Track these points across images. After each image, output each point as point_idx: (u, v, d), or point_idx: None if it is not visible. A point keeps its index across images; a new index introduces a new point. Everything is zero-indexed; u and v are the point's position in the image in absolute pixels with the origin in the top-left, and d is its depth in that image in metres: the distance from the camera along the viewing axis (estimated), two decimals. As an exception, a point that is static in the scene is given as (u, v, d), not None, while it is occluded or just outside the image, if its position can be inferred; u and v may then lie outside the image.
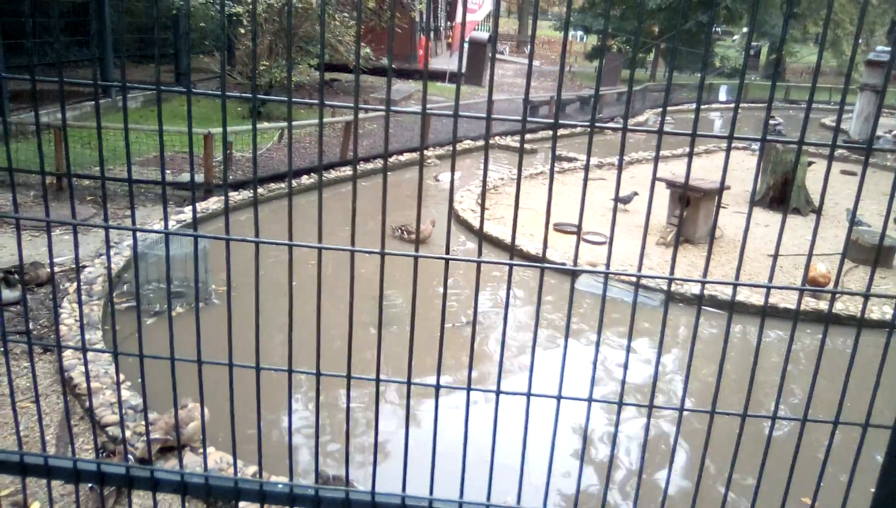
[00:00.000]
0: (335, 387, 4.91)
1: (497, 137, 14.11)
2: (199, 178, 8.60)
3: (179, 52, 14.89)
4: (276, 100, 1.49)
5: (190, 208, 7.76)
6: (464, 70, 21.68)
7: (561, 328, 6.17)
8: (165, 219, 1.52)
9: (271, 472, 3.61)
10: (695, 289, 6.80)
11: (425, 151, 12.28)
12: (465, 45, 22.53)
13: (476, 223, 8.33)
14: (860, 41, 32.25)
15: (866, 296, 1.48)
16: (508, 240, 7.83)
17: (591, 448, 4.57)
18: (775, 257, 1.49)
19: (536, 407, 1.72)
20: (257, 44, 12.66)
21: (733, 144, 13.61)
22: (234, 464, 1.73)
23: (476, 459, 1.77)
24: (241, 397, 1.64)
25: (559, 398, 1.57)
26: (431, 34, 26.38)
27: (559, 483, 4.19)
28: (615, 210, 1.52)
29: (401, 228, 8.01)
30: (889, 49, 15.98)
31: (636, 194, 9.60)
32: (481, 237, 1.52)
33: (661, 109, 21.66)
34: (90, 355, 4.47)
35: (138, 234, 5.98)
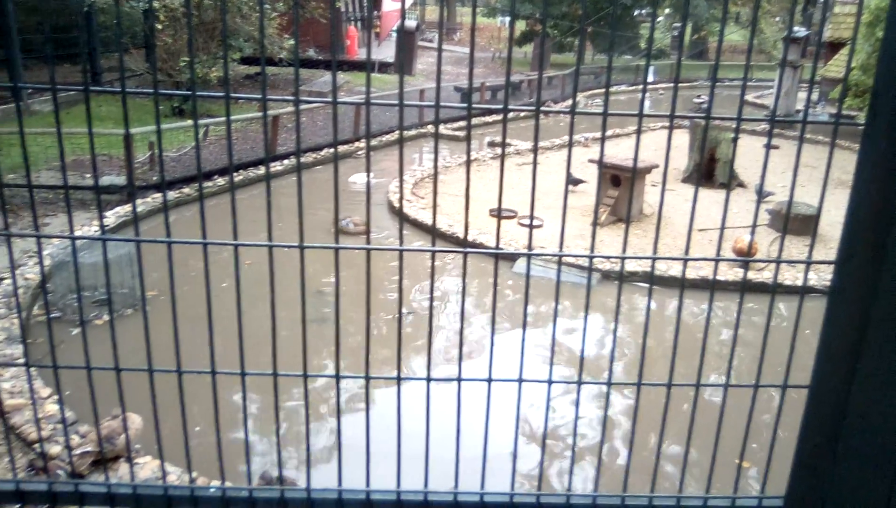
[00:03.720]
0: (287, 386, 4.80)
1: (430, 126, 14.10)
2: (123, 180, 8.31)
3: (94, 51, 14.31)
4: (180, 94, 1.45)
5: (112, 212, 7.49)
6: (393, 59, 21.52)
7: (504, 312, 6.24)
8: (70, 224, 1.46)
9: (215, 478, 3.53)
10: (628, 266, 6.97)
11: (357, 143, 12.18)
12: (394, 34, 22.36)
13: (411, 213, 8.30)
14: (777, 19, 33.40)
15: (777, 263, 1.55)
16: (441, 228, 7.85)
17: (530, 427, 4.63)
18: (690, 230, 1.54)
19: (470, 392, 1.73)
20: (175, 39, 12.29)
21: (665, 123, 13.78)
22: (163, 471, 1.68)
23: (418, 452, 1.77)
24: (177, 403, 1.58)
25: (489, 380, 1.59)
26: (358, 24, 26.09)
27: (499, 465, 4.23)
28: (533, 194, 1.54)
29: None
30: (804, 27, 16.65)
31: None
32: (402, 225, 1.51)
33: (591, 92, 21.89)
34: (14, 370, 4.28)
35: (60, 242, 5.76)
